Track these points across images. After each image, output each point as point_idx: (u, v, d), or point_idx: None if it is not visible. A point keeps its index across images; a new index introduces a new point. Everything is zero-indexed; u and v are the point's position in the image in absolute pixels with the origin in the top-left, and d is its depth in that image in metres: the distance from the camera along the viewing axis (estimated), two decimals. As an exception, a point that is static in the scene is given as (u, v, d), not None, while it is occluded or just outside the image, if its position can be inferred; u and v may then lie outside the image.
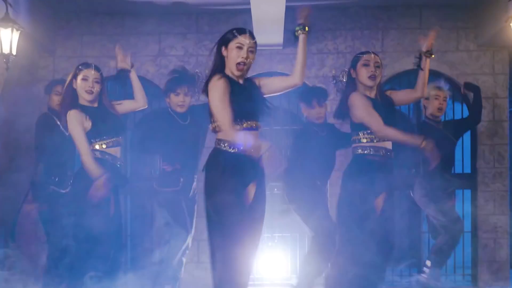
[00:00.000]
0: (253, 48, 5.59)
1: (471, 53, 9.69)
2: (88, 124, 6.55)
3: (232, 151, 5.41)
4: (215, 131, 5.51)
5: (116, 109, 6.94)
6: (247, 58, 5.50)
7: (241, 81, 5.63)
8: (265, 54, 9.65)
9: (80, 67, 6.73)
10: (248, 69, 5.63)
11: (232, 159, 5.39)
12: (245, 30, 5.64)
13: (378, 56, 6.70)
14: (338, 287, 6.57)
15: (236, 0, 8.98)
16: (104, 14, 9.74)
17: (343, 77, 9.13)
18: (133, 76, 7.06)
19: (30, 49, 8.92)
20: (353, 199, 6.44)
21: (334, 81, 9.53)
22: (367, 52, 6.72)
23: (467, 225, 9.62)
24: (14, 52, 7.77)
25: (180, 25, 9.82)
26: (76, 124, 6.55)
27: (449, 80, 9.58)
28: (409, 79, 9.64)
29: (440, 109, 8.49)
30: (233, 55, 5.52)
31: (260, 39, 8.46)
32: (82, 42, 9.80)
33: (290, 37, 8.88)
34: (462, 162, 9.64)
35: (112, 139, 6.68)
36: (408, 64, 9.55)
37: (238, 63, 5.48)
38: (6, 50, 7.71)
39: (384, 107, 6.55)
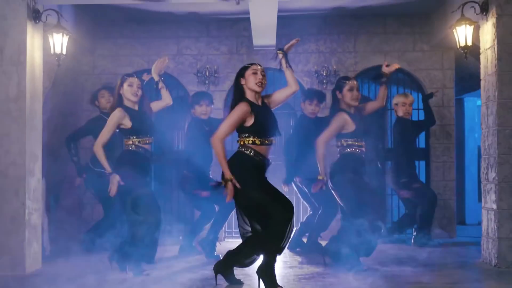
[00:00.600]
0: (264, 73, 6.21)
1: (425, 53, 10.46)
2: (128, 123, 7.01)
3: (256, 158, 6.04)
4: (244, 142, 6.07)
5: (152, 112, 7.38)
6: (262, 79, 6.14)
7: (259, 102, 6.21)
8: (261, 53, 10.32)
9: (125, 76, 7.21)
10: (263, 90, 6.20)
11: (255, 162, 6.04)
12: (254, 63, 6.33)
13: (356, 80, 7.59)
14: (346, 237, 7.17)
15: (238, 11, 9.38)
16: (133, 22, 10.37)
17: (323, 71, 10.29)
18: (161, 83, 7.40)
19: (75, 50, 9.24)
20: (345, 180, 7.25)
21: (316, 74, 10.31)
22: (351, 79, 7.59)
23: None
24: (64, 52, 8.16)
25: (194, 31, 10.50)
26: (113, 119, 7.00)
27: (408, 75, 10.52)
28: (375, 72, 9.83)
29: (407, 113, 9.43)
30: (251, 79, 6.12)
31: (257, 41, 9.63)
32: (116, 44, 10.48)
33: (281, 39, 9.65)
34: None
35: (145, 138, 7.10)
36: (374, 61, 10.48)
37: (257, 83, 6.11)
38: (58, 50, 8.10)
39: (360, 118, 7.44)
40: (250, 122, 6.04)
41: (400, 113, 9.43)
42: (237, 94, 6.18)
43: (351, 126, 7.36)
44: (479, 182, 12.92)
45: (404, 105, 9.41)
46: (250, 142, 6.05)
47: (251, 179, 6.04)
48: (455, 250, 9.06)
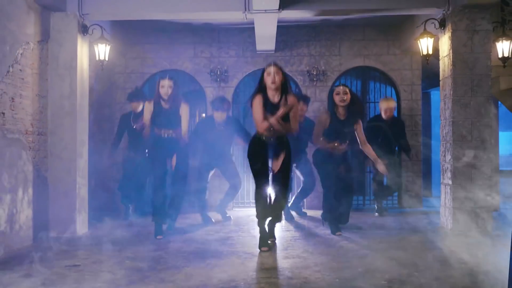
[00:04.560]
0: (278, 71, 6.38)
1: (397, 56, 10.73)
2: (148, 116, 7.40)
3: (261, 138, 6.42)
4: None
5: (181, 110, 7.45)
6: (274, 79, 6.34)
7: (276, 99, 6.41)
8: (263, 56, 10.58)
9: (160, 78, 7.45)
10: (279, 86, 6.38)
11: (260, 140, 6.41)
12: (271, 64, 6.49)
13: (347, 86, 7.42)
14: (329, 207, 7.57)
15: (244, 22, 9.64)
16: (158, 30, 10.62)
17: (313, 71, 10.46)
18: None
19: (111, 54, 9.26)
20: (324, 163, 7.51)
21: (308, 74, 10.50)
22: (340, 86, 7.43)
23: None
24: (107, 59, 8.63)
25: (208, 37, 10.72)
26: (147, 109, 7.42)
27: (383, 73, 10.66)
28: (356, 73, 10.71)
29: (389, 116, 9.42)
30: (267, 80, 6.41)
31: (259, 47, 9.98)
32: (144, 48, 10.71)
33: (279, 44, 10.14)
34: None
35: (170, 130, 7.42)
36: (356, 62, 10.64)
37: (270, 83, 6.37)
38: (102, 57, 8.56)
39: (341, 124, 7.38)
40: None
41: (384, 117, 9.47)
42: (256, 89, 6.49)
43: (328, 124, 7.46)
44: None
45: (386, 111, 9.46)
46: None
47: (251, 155, 6.51)
48: (421, 217, 9.37)
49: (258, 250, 6.45)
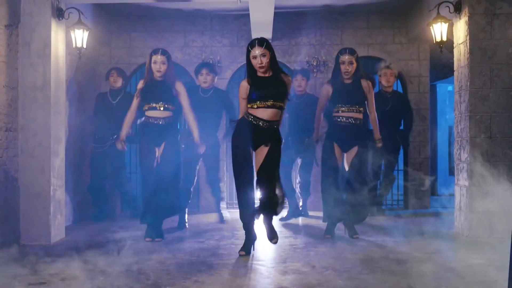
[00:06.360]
0: (265, 52, 5.97)
1: (403, 45, 10.30)
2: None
3: (254, 122, 6.03)
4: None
5: (175, 86, 7.15)
6: (261, 62, 5.97)
7: (269, 73, 6.07)
8: None
9: (152, 53, 7.16)
10: (269, 66, 6.02)
11: (251, 125, 6.01)
12: (254, 43, 6.04)
13: (353, 54, 7.07)
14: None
15: (239, 8, 9.40)
16: (146, 17, 10.26)
17: (313, 62, 10.11)
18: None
19: (94, 42, 9.21)
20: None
21: (308, 64, 10.14)
22: (346, 53, 7.08)
23: (401, 165, 10.43)
24: (84, 46, 8.07)
25: (199, 25, 10.33)
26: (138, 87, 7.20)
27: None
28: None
29: (388, 81, 9.20)
30: (253, 62, 6.02)
31: (255, 34, 9.31)
32: (130, 37, 10.32)
33: (277, 33, 9.83)
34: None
35: (162, 104, 7.09)
36: (359, 52, 8.98)
37: (258, 67, 6.01)
38: (79, 44, 8.02)
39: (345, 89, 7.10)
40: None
41: (383, 82, 9.24)
42: (248, 69, 6.16)
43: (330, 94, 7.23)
44: (450, 157, 13.11)
45: (386, 75, 9.24)
46: (249, 107, 6.06)
47: (237, 142, 6.12)
48: (431, 220, 8.91)
49: (252, 262, 5.84)
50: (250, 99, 6.05)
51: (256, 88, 6.04)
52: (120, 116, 7.79)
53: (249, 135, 6.06)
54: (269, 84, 6.05)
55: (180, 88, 7.21)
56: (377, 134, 7.41)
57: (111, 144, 8.68)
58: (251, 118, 6.03)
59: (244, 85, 6.09)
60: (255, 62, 6.02)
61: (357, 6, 9.92)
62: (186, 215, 8.24)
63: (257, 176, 6.14)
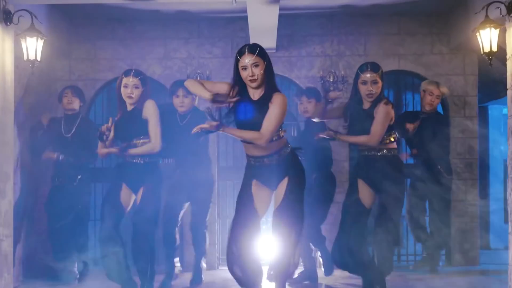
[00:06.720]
0: (258, 61, 6.00)
1: (444, 56, 10.39)
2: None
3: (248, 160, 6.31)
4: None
5: (144, 111, 7.38)
6: (252, 74, 5.97)
7: (256, 97, 6.10)
8: None
9: (122, 75, 7.42)
10: (263, 79, 6.05)
11: (249, 164, 6.31)
12: (244, 49, 6.11)
13: (377, 71, 7.28)
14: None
15: (234, 8, 9.07)
16: (115, 21, 10.37)
17: (329, 77, 9.59)
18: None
19: (49, 53, 8.91)
20: None
21: (322, 81, 9.43)
22: (369, 69, 7.31)
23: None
24: (39, 58, 7.97)
25: (183, 31, 10.48)
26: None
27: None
28: (388, 79, 10.05)
29: (431, 103, 9.48)
30: (243, 75, 6.05)
31: (255, 42, 9.71)
32: (96, 46, 10.42)
33: (282, 41, 10.02)
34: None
35: (132, 142, 7.39)
36: (387, 65, 10.24)
37: (249, 81, 6.03)
38: (31, 56, 7.89)
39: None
40: None
41: (426, 104, 9.48)
42: (235, 80, 6.23)
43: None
44: (506, 200, 13.15)
45: (432, 95, 9.44)
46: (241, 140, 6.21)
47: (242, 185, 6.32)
48: (480, 279, 9.04)
49: None
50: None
51: (239, 117, 6.18)
52: (75, 151, 8.27)
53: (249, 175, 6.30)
54: (254, 112, 6.10)
55: (149, 111, 7.41)
56: (343, 137, 7.58)
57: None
58: (246, 156, 6.31)
59: (228, 85, 6.25)
60: (245, 74, 6.05)
61: (385, 7, 10.03)
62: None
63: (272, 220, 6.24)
